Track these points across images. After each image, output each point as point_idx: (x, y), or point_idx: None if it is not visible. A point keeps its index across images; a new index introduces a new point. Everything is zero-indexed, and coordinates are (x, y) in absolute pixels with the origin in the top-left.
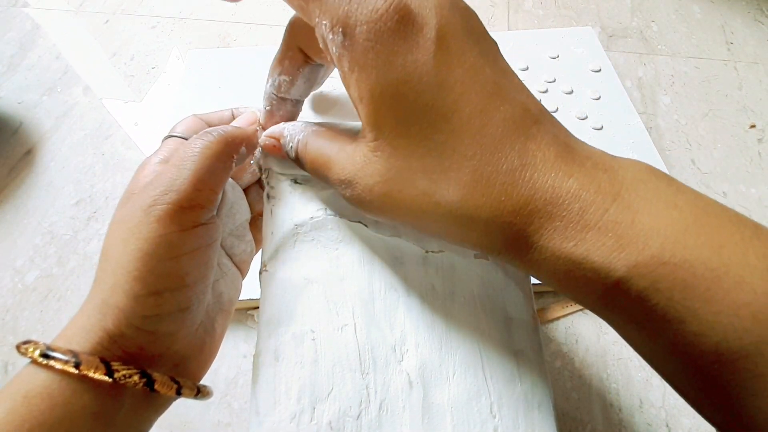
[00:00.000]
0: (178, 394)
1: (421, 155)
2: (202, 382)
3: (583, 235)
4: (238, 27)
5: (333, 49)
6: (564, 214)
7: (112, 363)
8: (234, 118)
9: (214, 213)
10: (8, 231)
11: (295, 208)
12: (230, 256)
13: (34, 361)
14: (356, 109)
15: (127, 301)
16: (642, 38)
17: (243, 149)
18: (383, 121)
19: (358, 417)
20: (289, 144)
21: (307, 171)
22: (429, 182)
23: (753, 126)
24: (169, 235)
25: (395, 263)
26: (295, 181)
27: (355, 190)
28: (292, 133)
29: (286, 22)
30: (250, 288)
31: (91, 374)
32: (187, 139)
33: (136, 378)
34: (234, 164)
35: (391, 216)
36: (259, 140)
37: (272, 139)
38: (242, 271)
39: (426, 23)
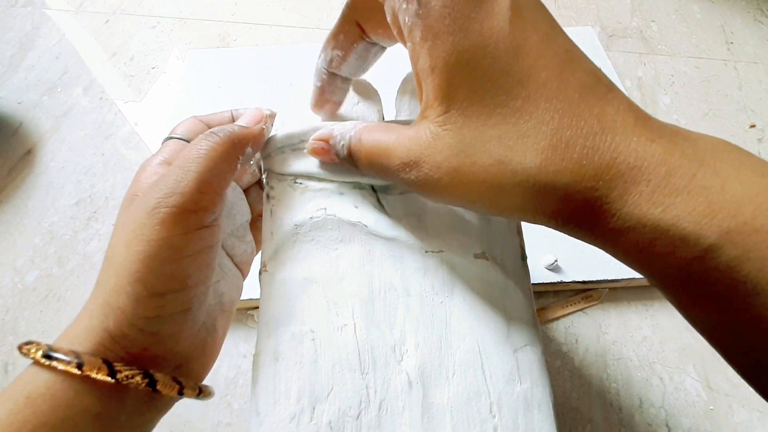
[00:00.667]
0: (180, 394)
1: (496, 123)
2: (204, 382)
3: (671, 199)
4: (238, 27)
5: (405, 20)
6: (650, 178)
7: (115, 364)
8: (234, 120)
9: (218, 215)
10: (8, 231)
11: (295, 208)
12: (231, 257)
13: (36, 362)
14: (421, 85)
15: (128, 303)
16: (642, 38)
17: (249, 149)
18: (456, 90)
19: (357, 417)
20: (340, 143)
21: (362, 167)
22: (504, 149)
23: (753, 126)
24: (172, 238)
25: (395, 263)
26: (295, 182)
27: (422, 170)
28: (342, 131)
29: (286, 22)
30: (250, 288)
31: (93, 375)
32: (188, 141)
33: (138, 378)
34: (239, 165)
35: (460, 193)
36: (307, 144)
37: (321, 142)
38: (243, 272)
39: None
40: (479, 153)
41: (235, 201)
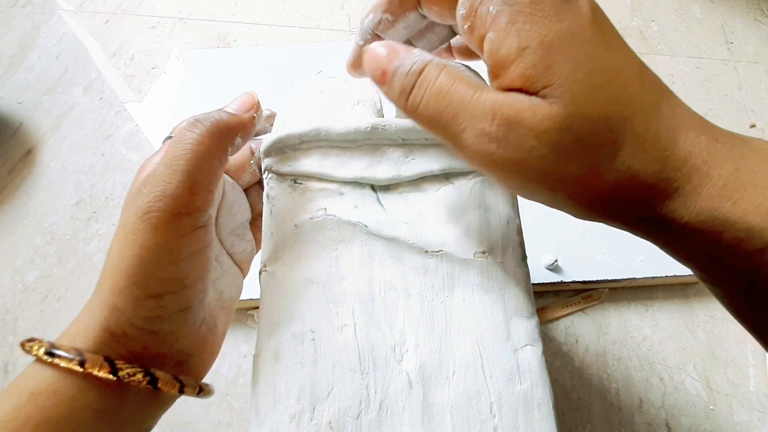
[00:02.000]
0: (181, 392)
1: (599, 104)
2: (204, 381)
3: (740, 194)
4: (238, 27)
5: (490, 8)
6: (721, 173)
7: (116, 362)
8: (257, 103)
9: (211, 213)
10: (8, 231)
11: (295, 208)
12: (231, 255)
13: (38, 359)
14: (499, 70)
15: (127, 304)
16: (642, 38)
17: (239, 139)
18: (558, 66)
19: (357, 417)
20: (404, 72)
21: (422, 114)
22: (609, 132)
23: (753, 126)
24: (167, 242)
25: (395, 263)
26: (295, 182)
27: (513, 137)
28: (412, 59)
29: (286, 22)
30: (250, 288)
31: (95, 372)
32: None
33: (139, 376)
34: (229, 155)
35: (552, 171)
36: (365, 57)
37: (380, 60)
38: (243, 270)
39: None
40: (585, 131)
41: (235, 199)
